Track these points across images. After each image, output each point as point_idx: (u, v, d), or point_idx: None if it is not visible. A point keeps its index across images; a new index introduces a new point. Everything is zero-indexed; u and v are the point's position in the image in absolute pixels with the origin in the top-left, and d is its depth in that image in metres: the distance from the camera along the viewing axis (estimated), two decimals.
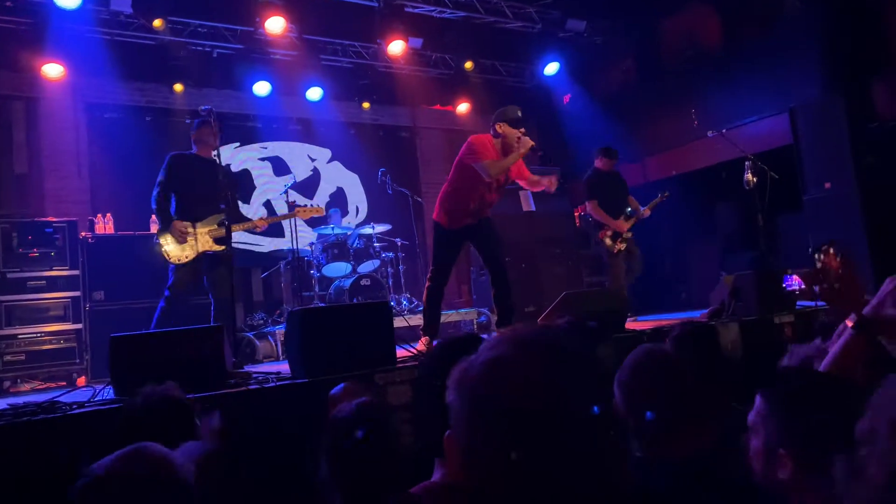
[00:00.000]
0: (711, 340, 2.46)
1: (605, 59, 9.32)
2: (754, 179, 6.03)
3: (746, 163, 6.12)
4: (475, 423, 0.88)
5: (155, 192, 4.88)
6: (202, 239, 4.82)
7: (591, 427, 0.86)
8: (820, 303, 5.33)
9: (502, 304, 4.76)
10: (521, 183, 5.07)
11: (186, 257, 4.79)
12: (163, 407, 2.02)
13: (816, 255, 2.01)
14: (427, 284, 4.90)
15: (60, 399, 2.99)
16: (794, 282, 5.91)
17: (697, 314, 6.02)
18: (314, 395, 3.24)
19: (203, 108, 4.49)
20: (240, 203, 8.26)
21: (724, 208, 8.67)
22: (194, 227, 4.83)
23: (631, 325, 5.31)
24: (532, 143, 4.64)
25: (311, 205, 5.58)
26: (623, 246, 6.63)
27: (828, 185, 6.83)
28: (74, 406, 2.88)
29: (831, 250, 2.01)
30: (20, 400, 3.22)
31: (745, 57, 7.65)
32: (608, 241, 6.60)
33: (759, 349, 4.77)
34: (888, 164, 6.35)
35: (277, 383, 3.33)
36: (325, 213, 5.30)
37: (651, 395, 1.73)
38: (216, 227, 4.80)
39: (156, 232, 4.98)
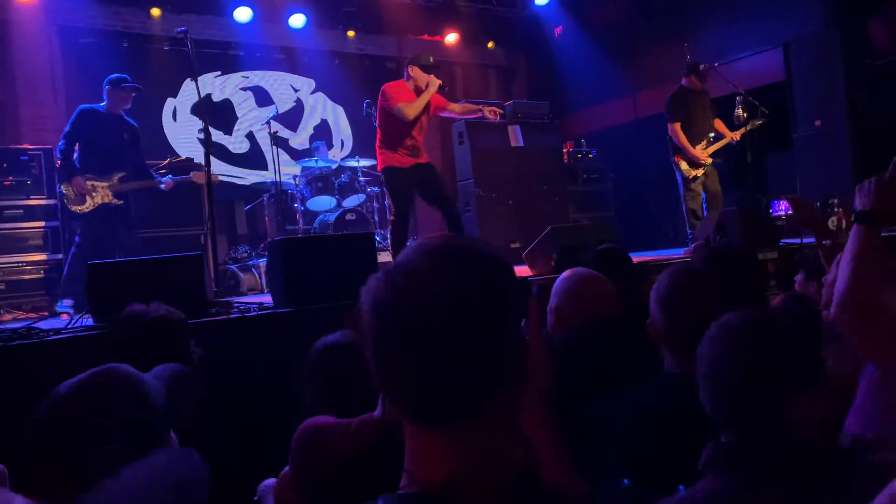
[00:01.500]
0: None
1: None
2: (745, 115, 5.95)
3: (737, 98, 6.02)
4: (374, 328, 0.87)
5: (60, 143, 5.05)
6: (102, 192, 5.02)
7: (491, 334, 0.85)
8: (806, 239, 5.35)
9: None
10: (450, 114, 5.50)
11: (86, 208, 4.99)
12: (158, 326, 2.00)
13: (826, 209, 2.11)
14: (392, 233, 5.14)
15: (38, 326, 2.95)
16: (782, 207, 5.88)
17: (682, 251, 6.04)
18: (296, 325, 3.23)
19: (179, 29, 4.30)
20: (215, 133, 8.14)
21: None
22: (95, 181, 5.01)
23: None
24: (439, 81, 5.08)
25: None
26: (700, 172, 6.23)
27: (818, 122, 6.77)
28: (51, 332, 2.85)
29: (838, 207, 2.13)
30: None
31: None
32: (683, 165, 6.22)
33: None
34: (882, 101, 6.28)
35: (259, 312, 3.31)
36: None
37: (687, 309, 1.74)
38: (116, 182, 5.05)
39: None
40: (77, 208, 5.00)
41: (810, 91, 6.83)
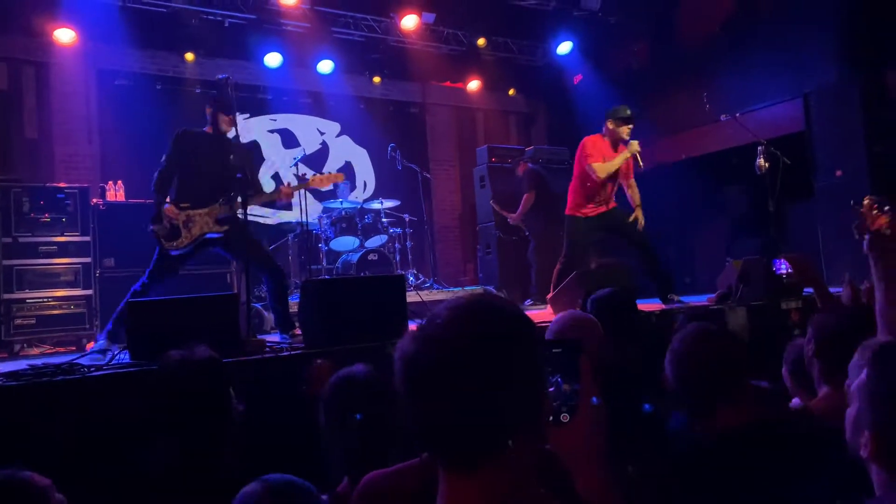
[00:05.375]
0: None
1: (619, 38, 9.22)
2: (766, 165, 5.98)
3: (759, 147, 6.06)
4: (400, 379, 0.96)
5: (155, 173, 4.42)
6: (201, 221, 4.34)
7: (513, 382, 0.93)
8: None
9: (656, 275, 5.46)
10: (626, 189, 5.52)
11: (181, 243, 4.31)
12: (199, 369, 2.04)
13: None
14: (558, 273, 5.24)
15: (79, 361, 3.02)
16: (783, 265, 5.85)
17: (704, 298, 6.04)
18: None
19: (220, 75, 4.44)
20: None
21: (732, 194, 8.64)
22: (193, 211, 4.35)
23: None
24: (638, 148, 5.11)
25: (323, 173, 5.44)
26: None
27: (839, 172, 6.82)
28: (92, 368, 2.92)
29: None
30: (38, 361, 3.25)
31: (760, 40, 7.56)
32: None
33: (766, 333, 4.80)
34: None
35: (292, 352, 3.36)
36: (343, 180, 5.25)
37: (702, 368, 1.79)
38: (219, 205, 4.35)
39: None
40: (172, 244, 4.28)
41: (831, 141, 6.91)
